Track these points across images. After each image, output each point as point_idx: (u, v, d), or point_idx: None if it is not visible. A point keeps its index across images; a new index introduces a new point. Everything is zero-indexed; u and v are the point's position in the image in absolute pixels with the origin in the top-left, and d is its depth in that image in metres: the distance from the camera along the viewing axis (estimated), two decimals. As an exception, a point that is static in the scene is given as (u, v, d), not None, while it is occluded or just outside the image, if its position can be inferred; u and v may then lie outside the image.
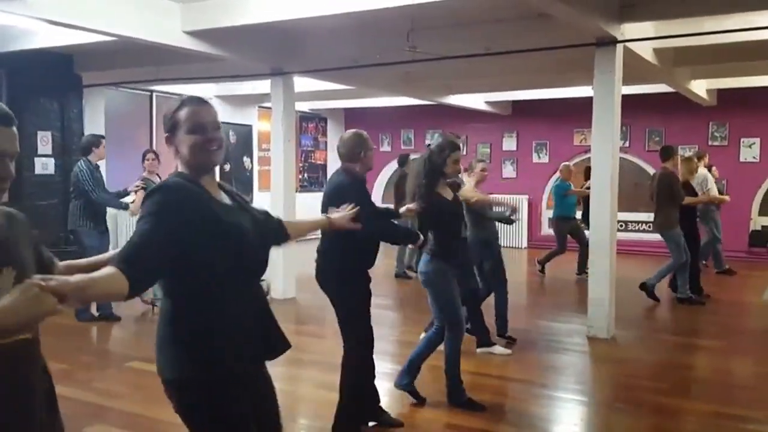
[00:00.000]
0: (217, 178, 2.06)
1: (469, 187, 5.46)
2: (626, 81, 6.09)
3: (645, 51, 6.64)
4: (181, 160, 1.94)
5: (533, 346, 5.66)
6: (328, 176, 5.42)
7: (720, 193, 8.99)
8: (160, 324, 1.93)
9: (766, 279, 8.81)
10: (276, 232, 2.25)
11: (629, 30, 5.87)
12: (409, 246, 7.34)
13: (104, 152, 6.64)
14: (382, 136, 13.54)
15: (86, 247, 6.05)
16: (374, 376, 3.79)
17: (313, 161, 13.76)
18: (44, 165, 8.19)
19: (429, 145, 4.20)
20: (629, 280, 7.62)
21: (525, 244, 12.34)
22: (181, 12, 6.02)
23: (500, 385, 4.74)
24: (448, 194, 4.06)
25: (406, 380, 4.19)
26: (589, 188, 6.78)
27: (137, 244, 1.72)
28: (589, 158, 8.09)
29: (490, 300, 5.60)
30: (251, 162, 12.25)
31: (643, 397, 4.47)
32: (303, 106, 12.60)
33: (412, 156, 8.76)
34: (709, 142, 11.03)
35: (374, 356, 3.74)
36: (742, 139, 10.92)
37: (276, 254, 3.56)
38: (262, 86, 8.78)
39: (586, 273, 7.19)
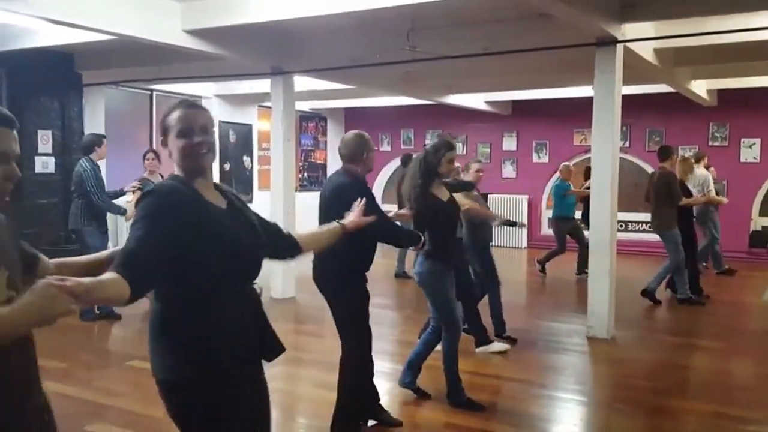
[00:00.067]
0: (216, 179, 2.06)
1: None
2: (626, 81, 6.09)
3: (645, 51, 6.63)
4: (174, 162, 1.97)
5: (533, 346, 5.66)
6: (328, 176, 5.41)
7: (718, 193, 9.01)
8: (152, 325, 1.93)
9: (766, 280, 8.80)
10: (286, 244, 2.26)
11: (630, 30, 5.87)
12: (410, 248, 7.36)
13: (105, 151, 6.66)
14: (382, 135, 13.53)
15: (89, 247, 6.06)
16: (373, 375, 3.80)
17: (312, 161, 13.75)
18: (44, 164, 8.19)
19: (425, 145, 4.22)
20: (629, 280, 7.63)
21: (525, 244, 12.33)
22: (182, 11, 6.02)
23: (499, 385, 4.74)
24: (444, 195, 4.05)
25: (409, 378, 4.28)
26: (588, 188, 6.79)
27: (134, 249, 1.73)
28: (589, 158, 8.09)
29: (486, 300, 5.61)
30: (251, 161, 12.24)
31: (643, 397, 4.47)
32: (303, 106, 12.60)
33: (416, 155, 8.76)
34: (710, 143, 11.03)
35: (374, 355, 3.74)
36: (742, 140, 10.91)
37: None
38: (262, 85, 8.78)
39: (586, 273, 7.19)
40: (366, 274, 3.62)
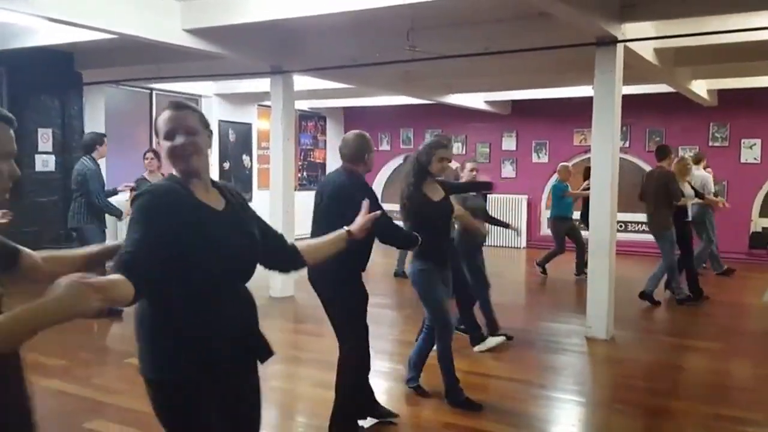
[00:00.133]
0: (216, 178, 2.06)
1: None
2: (627, 81, 6.07)
3: (645, 51, 6.63)
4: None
5: (532, 346, 5.66)
6: (326, 174, 5.40)
7: (716, 195, 9.02)
8: (141, 325, 1.94)
9: (766, 281, 8.80)
10: (288, 256, 2.22)
11: (630, 30, 5.86)
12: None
13: (106, 150, 6.67)
14: (381, 135, 13.53)
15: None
16: (369, 373, 3.81)
17: (312, 160, 13.75)
18: (45, 162, 8.20)
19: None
20: (628, 280, 7.63)
21: (524, 244, 12.33)
22: (181, 10, 6.02)
23: (498, 385, 4.73)
24: (437, 194, 4.03)
25: (410, 377, 4.35)
26: (587, 189, 6.80)
27: (133, 252, 1.73)
28: (588, 158, 8.09)
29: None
30: (250, 160, 12.25)
31: (642, 398, 4.47)
32: (302, 105, 12.60)
33: (411, 155, 8.76)
34: (710, 143, 11.02)
35: (373, 355, 3.75)
36: (742, 140, 10.90)
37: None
38: (262, 84, 8.78)
39: (585, 273, 7.18)
40: (362, 272, 3.62)
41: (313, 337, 5.82)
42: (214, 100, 11.30)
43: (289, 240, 2.26)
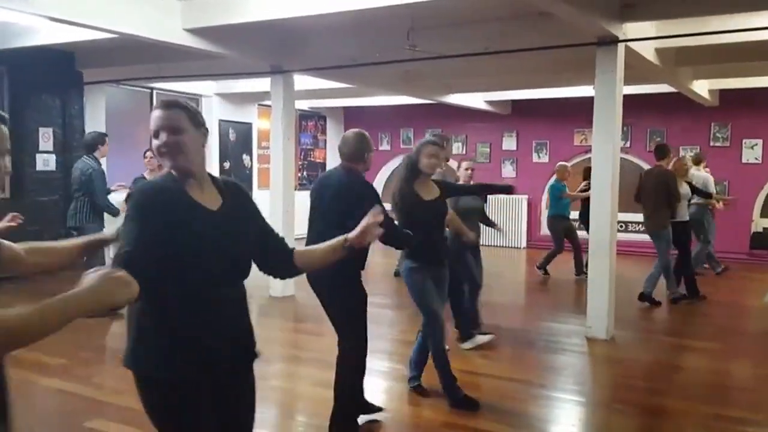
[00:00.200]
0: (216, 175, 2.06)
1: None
2: (627, 81, 6.06)
3: (646, 51, 6.63)
4: None
5: (532, 346, 5.66)
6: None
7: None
8: (130, 322, 1.94)
9: (767, 282, 8.79)
10: (284, 263, 2.17)
11: (631, 29, 5.86)
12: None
13: (107, 150, 6.68)
14: (381, 134, 13.53)
15: None
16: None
17: (312, 159, 13.76)
18: (45, 161, 8.21)
19: None
20: (628, 281, 7.63)
21: (524, 244, 12.34)
22: (182, 10, 6.03)
23: (498, 384, 4.73)
24: (429, 193, 4.02)
25: (413, 374, 4.37)
26: (586, 189, 6.78)
27: (131, 251, 1.74)
28: (588, 158, 8.08)
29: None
30: (251, 160, 12.25)
31: (642, 398, 4.47)
32: (302, 105, 12.61)
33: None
34: (711, 143, 11.02)
35: (372, 354, 3.76)
36: (744, 140, 10.90)
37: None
38: (262, 84, 8.78)
39: (585, 274, 7.17)
40: (362, 272, 3.62)
41: (314, 336, 5.83)
42: (214, 100, 11.31)
43: (290, 243, 2.25)
